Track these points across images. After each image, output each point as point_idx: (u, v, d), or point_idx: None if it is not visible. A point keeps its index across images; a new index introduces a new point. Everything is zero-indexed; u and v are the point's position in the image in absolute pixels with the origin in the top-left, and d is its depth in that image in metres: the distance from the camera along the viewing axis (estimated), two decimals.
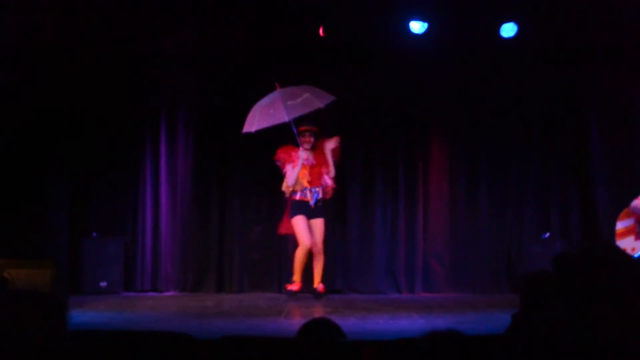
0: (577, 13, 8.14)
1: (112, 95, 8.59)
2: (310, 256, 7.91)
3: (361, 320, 6.46)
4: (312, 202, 7.87)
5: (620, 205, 7.29)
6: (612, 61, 8.26)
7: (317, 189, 7.91)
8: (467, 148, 8.76)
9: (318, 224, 7.92)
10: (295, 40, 8.40)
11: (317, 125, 8.01)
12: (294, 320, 6.26)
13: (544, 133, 8.65)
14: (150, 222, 8.79)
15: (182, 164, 8.84)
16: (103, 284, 8.42)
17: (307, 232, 7.82)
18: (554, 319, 2.32)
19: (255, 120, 7.78)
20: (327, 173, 7.96)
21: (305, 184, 7.89)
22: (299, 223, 7.84)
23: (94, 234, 8.61)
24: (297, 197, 7.90)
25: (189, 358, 2.48)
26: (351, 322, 6.21)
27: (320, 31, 8.29)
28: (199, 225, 8.80)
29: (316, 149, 7.99)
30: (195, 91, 8.85)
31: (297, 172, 7.82)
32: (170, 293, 8.69)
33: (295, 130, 7.77)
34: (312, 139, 7.97)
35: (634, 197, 6.94)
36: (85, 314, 6.61)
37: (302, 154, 7.82)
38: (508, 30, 8.27)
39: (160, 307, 7.46)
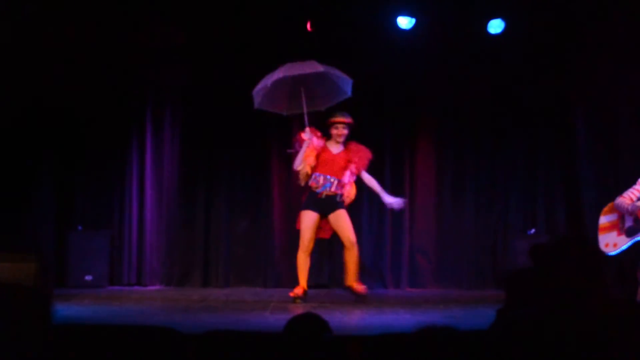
0: (565, 10, 8.18)
1: (98, 89, 8.55)
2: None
3: (347, 315, 6.48)
4: (319, 190, 7.29)
5: (605, 201, 7.32)
6: (600, 58, 8.29)
7: (331, 179, 7.32)
8: (454, 144, 8.78)
9: (341, 215, 7.31)
10: (282, 35, 8.39)
11: (351, 117, 7.49)
12: (280, 315, 6.26)
13: (531, 129, 8.68)
14: (136, 215, 8.76)
15: (168, 157, 8.82)
16: (88, 277, 8.39)
17: (311, 230, 7.27)
18: (537, 314, 2.33)
19: (284, 102, 7.52)
20: (354, 173, 7.42)
21: (309, 169, 7.32)
22: (304, 218, 7.31)
23: (79, 228, 8.58)
24: (312, 184, 7.31)
25: (173, 352, 2.48)
26: (337, 317, 6.23)
27: (308, 26, 8.29)
28: (185, 220, 8.78)
29: (351, 147, 7.49)
30: (181, 85, 8.82)
31: (301, 155, 7.31)
32: (156, 287, 8.67)
33: (306, 120, 7.34)
34: (345, 132, 7.42)
35: (619, 193, 6.97)
36: (71, 307, 6.59)
37: (307, 135, 7.32)
38: (495, 26, 8.31)
39: (145, 301, 7.45)
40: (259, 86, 7.38)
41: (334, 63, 8.52)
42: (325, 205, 7.31)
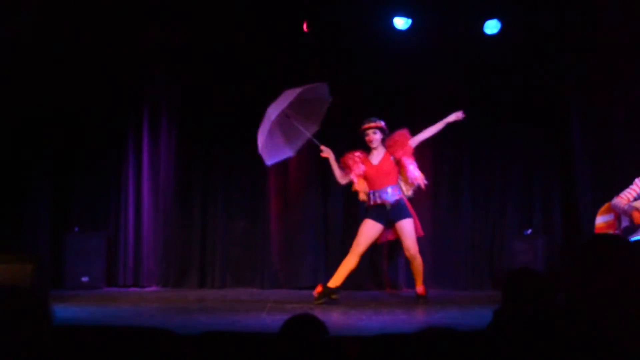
0: (561, 10, 8.19)
1: (95, 91, 8.55)
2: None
3: (343, 316, 6.48)
4: (390, 201, 7.27)
5: (602, 201, 7.33)
6: (596, 59, 8.31)
7: (390, 189, 7.31)
8: (450, 144, 8.78)
9: (404, 225, 7.31)
10: (279, 36, 8.39)
11: (380, 119, 7.48)
12: (277, 316, 6.25)
13: (527, 130, 8.68)
14: (133, 217, 8.76)
15: (164, 159, 8.81)
16: (85, 279, 8.38)
17: (366, 240, 7.34)
18: (535, 315, 2.33)
19: (280, 151, 7.62)
20: (409, 161, 7.36)
21: (366, 188, 7.34)
22: (363, 227, 7.38)
23: (76, 229, 8.57)
24: (371, 203, 7.35)
25: (170, 353, 2.47)
26: (334, 318, 6.24)
27: (304, 27, 8.30)
28: (182, 221, 8.78)
29: (387, 144, 7.44)
30: (178, 87, 8.82)
31: (336, 173, 7.41)
32: (152, 288, 8.67)
33: (315, 141, 7.46)
34: (376, 136, 7.38)
35: (616, 194, 6.98)
36: (67, 309, 6.58)
37: (326, 152, 7.39)
38: (492, 27, 8.31)
39: (142, 302, 7.45)
40: (260, 143, 7.38)
41: (330, 64, 8.57)
42: (389, 214, 7.33)
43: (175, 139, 8.82)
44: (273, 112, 7.31)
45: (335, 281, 7.32)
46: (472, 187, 8.77)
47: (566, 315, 2.09)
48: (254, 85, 8.36)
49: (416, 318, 6.49)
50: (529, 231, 8.51)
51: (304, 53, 8.56)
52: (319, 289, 7.32)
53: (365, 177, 7.36)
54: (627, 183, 6.98)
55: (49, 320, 2.10)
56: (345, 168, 7.42)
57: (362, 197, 7.39)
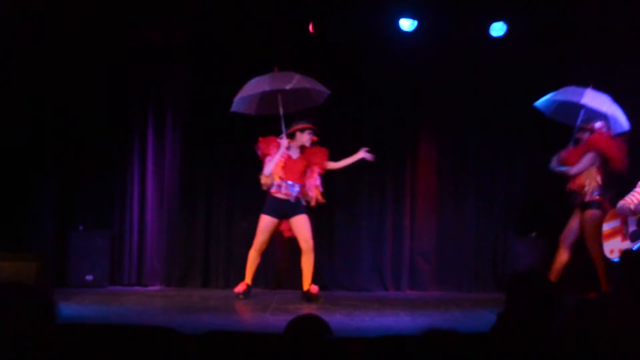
0: (567, 13, 8.17)
1: (100, 89, 8.55)
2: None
3: (347, 317, 6.47)
4: (292, 197, 7.53)
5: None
6: (601, 61, 8.29)
7: (294, 184, 7.55)
8: (455, 147, 8.78)
9: (301, 220, 7.54)
10: (284, 37, 8.39)
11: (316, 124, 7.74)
12: (280, 316, 6.26)
13: (532, 132, 8.67)
14: (137, 216, 8.76)
15: (169, 158, 8.82)
16: (89, 277, 8.39)
17: (266, 234, 7.53)
18: (539, 318, 2.33)
19: (254, 104, 7.70)
20: (319, 173, 7.67)
21: (279, 176, 7.52)
22: (262, 222, 7.53)
23: (80, 227, 8.58)
24: (274, 190, 7.53)
25: (174, 352, 2.48)
26: (337, 319, 6.23)
27: (310, 28, 8.30)
28: (186, 220, 8.78)
29: (307, 149, 7.67)
30: (182, 85, 8.82)
31: (274, 161, 7.50)
32: (156, 287, 8.67)
33: (283, 126, 7.52)
34: (315, 138, 7.61)
35: (620, 198, 6.97)
36: (71, 307, 6.58)
37: (284, 142, 7.51)
38: (497, 29, 8.31)
39: (146, 301, 7.45)
40: (241, 94, 7.54)
41: (336, 65, 8.56)
42: (287, 209, 7.54)
43: (179, 138, 8.83)
44: (270, 83, 7.45)
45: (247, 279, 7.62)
46: (477, 189, 8.77)
47: (570, 318, 2.09)
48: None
49: (420, 320, 6.48)
50: (534, 234, 8.50)
51: (309, 54, 8.56)
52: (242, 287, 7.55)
53: (282, 166, 7.54)
54: (631, 187, 6.98)
55: (53, 319, 2.11)
56: (267, 149, 7.53)
57: (276, 179, 7.51)
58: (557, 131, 8.64)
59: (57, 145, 8.60)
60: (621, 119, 7.44)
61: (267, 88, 7.47)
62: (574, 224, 7.43)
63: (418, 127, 8.91)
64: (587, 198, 7.28)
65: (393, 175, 8.77)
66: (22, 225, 8.38)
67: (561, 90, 7.54)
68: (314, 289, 7.53)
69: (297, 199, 7.55)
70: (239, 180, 8.78)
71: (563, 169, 7.42)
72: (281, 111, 7.49)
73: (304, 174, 7.65)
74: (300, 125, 7.56)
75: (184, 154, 8.81)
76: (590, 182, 7.28)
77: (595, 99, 7.37)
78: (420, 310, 7.02)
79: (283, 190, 7.52)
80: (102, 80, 8.53)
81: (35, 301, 2.06)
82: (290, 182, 7.53)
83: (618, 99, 8.22)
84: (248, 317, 6.51)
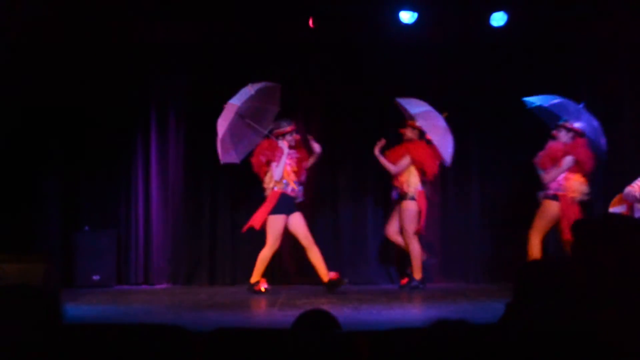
0: (568, 3, 8.15)
1: (103, 89, 8.55)
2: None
3: (355, 311, 6.48)
4: (300, 198, 7.80)
5: (611, 195, 7.30)
6: (603, 53, 8.27)
7: (299, 183, 7.83)
8: (458, 138, 8.74)
9: (298, 218, 7.77)
10: (285, 32, 8.38)
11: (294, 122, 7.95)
12: (288, 312, 6.26)
13: (535, 124, 8.62)
14: (142, 215, 8.77)
15: (173, 156, 8.82)
16: (96, 277, 8.40)
17: (279, 234, 7.69)
18: (547, 307, 2.32)
19: (233, 151, 7.91)
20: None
21: (293, 177, 7.77)
22: (277, 223, 7.69)
23: (86, 228, 8.59)
24: (288, 191, 7.73)
25: (182, 351, 2.47)
26: (345, 313, 6.23)
27: (310, 22, 8.28)
28: (191, 218, 8.79)
29: (298, 144, 7.92)
30: (186, 84, 8.82)
31: (282, 166, 7.68)
32: (163, 286, 8.68)
33: (273, 136, 7.79)
34: (299, 137, 7.89)
35: (627, 184, 6.96)
36: (79, 307, 6.60)
37: (284, 146, 7.71)
38: (498, 19, 8.28)
39: (153, 300, 7.46)
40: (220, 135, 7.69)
41: (336, 58, 8.55)
42: (292, 206, 7.76)
43: (183, 137, 8.83)
44: (230, 110, 7.63)
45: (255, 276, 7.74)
46: (481, 178, 8.76)
47: (577, 309, 2.08)
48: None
49: (428, 312, 6.48)
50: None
51: (310, 50, 8.55)
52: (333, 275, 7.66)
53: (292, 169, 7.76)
54: (637, 173, 6.97)
55: (60, 319, 2.11)
56: (273, 155, 7.69)
57: (281, 185, 7.71)
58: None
59: (62, 147, 8.61)
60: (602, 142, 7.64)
61: (230, 116, 7.61)
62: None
63: None
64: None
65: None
66: (28, 227, 8.40)
67: (555, 103, 7.64)
68: (333, 275, 7.69)
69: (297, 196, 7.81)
70: (244, 177, 8.76)
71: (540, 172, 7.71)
72: (262, 130, 7.79)
73: (301, 172, 7.88)
74: (282, 130, 7.75)
75: (187, 152, 8.82)
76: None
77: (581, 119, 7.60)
78: (427, 303, 7.02)
79: (291, 190, 7.73)
80: (106, 81, 8.53)
81: (41, 303, 2.06)
82: (296, 182, 7.77)
83: (625, 88, 8.23)
84: (256, 313, 6.51)
